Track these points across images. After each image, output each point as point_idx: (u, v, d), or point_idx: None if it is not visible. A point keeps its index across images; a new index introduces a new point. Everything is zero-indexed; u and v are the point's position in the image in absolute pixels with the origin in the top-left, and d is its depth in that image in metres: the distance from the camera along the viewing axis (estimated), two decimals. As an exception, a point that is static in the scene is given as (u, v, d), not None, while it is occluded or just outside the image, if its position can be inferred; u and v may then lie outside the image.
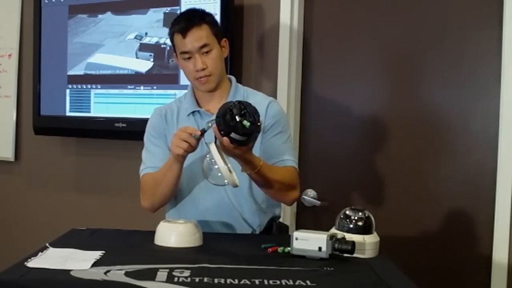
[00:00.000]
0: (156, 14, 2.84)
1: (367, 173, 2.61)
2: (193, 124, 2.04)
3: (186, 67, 2.02)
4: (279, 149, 2.02)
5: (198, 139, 1.76)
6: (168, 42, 2.71)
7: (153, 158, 2.05)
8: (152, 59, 2.86)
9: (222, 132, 1.65)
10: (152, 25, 2.86)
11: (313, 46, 2.71)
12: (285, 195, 2.02)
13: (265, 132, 2.01)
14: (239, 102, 1.66)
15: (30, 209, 3.35)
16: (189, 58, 1.99)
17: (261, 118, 1.71)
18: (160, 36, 2.82)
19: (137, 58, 2.90)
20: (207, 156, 1.75)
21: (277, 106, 2.10)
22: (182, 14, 2.11)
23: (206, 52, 1.98)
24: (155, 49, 2.85)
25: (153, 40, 2.86)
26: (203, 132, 1.76)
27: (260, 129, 1.68)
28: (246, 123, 1.62)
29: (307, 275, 1.47)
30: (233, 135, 1.64)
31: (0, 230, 3.44)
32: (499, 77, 2.32)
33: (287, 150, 2.06)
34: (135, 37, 2.90)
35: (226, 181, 1.71)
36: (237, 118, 1.62)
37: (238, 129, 1.63)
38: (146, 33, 2.85)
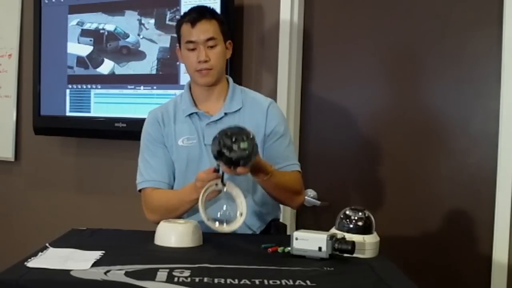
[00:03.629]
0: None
1: (367, 173, 2.60)
2: (190, 125, 2.04)
3: (188, 58, 2.01)
4: (283, 153, 2.03)
5: (218, 170, 1.77)
6: (107, 27, 2.94)
7: (150, 170, 2.04)
8: (92, 44, 3.00)
9: (232, 167, 1.67)
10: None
11: (313, 46, 2.71)
12: (292, 200, 2.04)
13: (267, 137, 2.01)
14: (222, 133, 1.67)
15: (30, 209, 3.35)
16: (193, 49, 1.99)
17: (257, 123, 1.74)
18: (99, 22, 2.99)
19: (78, 43, 3.02)
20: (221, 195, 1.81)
21: (277, 108, 2.10)
22: (193, 7, 2.09)
23: (211, 47, 1.99)
24: (95, 34, 2.98)
25: (93, 26, 2.97)
26: (216, 170, 1.76)
27: (254, 138, 1.69)
28: (243, 144, 1.65)
29: (307, 275, 1.47)
30: (242, 163, 1.66)
31: (0, 230, 3.43)
32: (499, 77, 2.31)
33: (291, 154, 2.07)
34: (77, 24, 3.02)
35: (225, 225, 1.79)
36: (235, 147, 1.64)
37: (242, 154, 1.64)
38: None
